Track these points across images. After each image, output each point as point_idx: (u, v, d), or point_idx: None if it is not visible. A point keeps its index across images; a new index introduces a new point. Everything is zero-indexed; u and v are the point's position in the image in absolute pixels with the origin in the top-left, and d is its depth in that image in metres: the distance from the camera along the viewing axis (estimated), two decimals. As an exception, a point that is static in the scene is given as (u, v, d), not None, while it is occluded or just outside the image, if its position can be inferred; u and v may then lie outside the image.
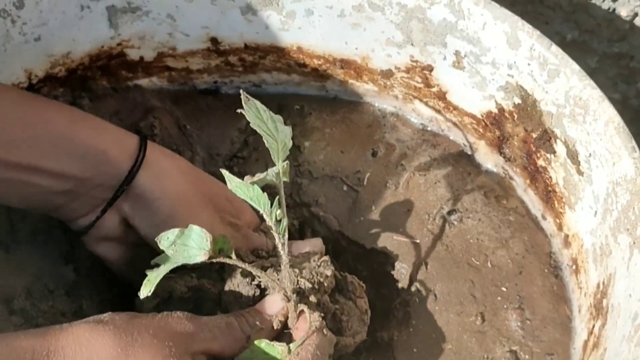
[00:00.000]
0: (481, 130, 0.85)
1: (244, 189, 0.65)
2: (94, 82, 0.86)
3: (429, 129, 0.90)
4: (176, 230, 0.65)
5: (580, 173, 0.75)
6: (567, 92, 0.73)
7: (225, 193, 0.77)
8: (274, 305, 0.70)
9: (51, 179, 0.70)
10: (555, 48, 0.73)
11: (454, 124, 0.87)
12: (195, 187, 0.76)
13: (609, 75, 0.98)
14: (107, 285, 0.80)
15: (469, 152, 0.88)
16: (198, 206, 0.75)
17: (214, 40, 0.86)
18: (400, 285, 0.81)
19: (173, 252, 0.65)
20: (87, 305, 0.77)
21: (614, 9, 0.92)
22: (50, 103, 0.72)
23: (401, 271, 0.81)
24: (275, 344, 0.67)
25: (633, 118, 1.02)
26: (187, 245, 0.65)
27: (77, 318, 0.69)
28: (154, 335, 0.63)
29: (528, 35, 0.74)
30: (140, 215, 0.74)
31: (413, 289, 0.80)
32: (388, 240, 0.83)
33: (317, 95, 0.92)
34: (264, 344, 0.67)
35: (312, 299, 0.71)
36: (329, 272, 0.73)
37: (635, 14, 0.92)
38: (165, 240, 0.65)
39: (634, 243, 0.67)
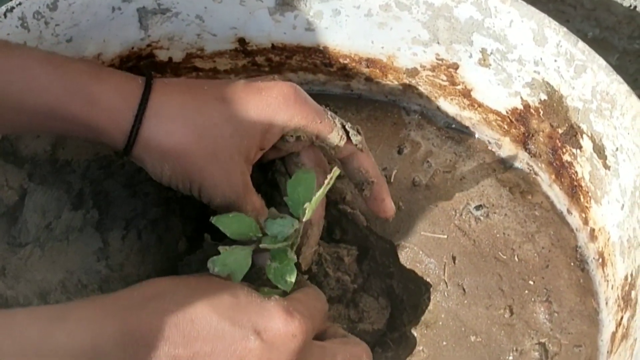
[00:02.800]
0: (506, 126, 0.86)
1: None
2: (123, 83, 0.87)
3: (453, 126, 0.91)
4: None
5: (606, 167, 0.76)
6: (594, 87, 0.74)
7: (260, 125, 0.74)
8: None
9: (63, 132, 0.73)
10: (581, 44, 0.74)
11: (479, 121, 0.88)
12: (202, 141, 0.73)
13: (630, 71, 0.99)
14: (137, 279, 0.81)
15: (494, 149, 0.89)
16: (207, 166, 0.73)
17: (241, 41, 0.87)
18: (428, 280, 0.82)
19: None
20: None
21: (635, 6, 0.93)
22: (49, 67, 0.71)
23: (429, 266, 0.82)
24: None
25: (653, 114, 1.03)
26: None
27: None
28: None
29: (555, 32, 0.75)
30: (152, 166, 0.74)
31: (441, 283, 0.81)
32: (416, 236, 0.84)
33: (342, 94, 0.93)
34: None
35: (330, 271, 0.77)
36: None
37: (656, 11, 0.93)
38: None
39: (663, 235, 0.68)
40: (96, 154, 0.85)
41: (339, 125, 0.76)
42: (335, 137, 0.76)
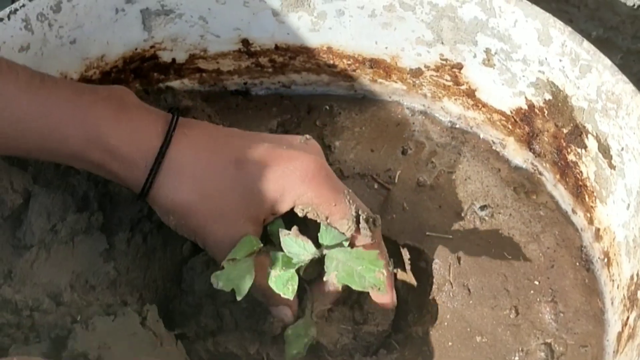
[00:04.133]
0: (510, 126, 0.86)
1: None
2: (126, 84, 0.87)
3: (457, 126, 0.91)
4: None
5: (612, 167, 0.76)
6: (599, 87, 0.74)
7: (271, 195, 0.75)
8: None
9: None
10: (587, 44, 0.74)
11: (483, 121, 0.88)
12: (208, 201, 0.75)
13: (633, 71, 0.99)
14: (143, 282, 0.81)
15: (499, 149, 0.89)
16: (210, 225, 0.75)
17: (245, 42, 0.87)
18: (433, 280, 0.82)
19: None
20: (130, 300, 0.78)
21: (639, 6, 0.93)
22: (70, 115, 0.72)
23: (434, 267, 0.82)
24: None
25: (657, 114, 1.03)
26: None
27: (123, 309, 0.74)
28: None
29: (560, 32, 0.75)
30: (160, 214, 0.77)
31: (446, 284, 0.81)
32: (420, 237, 0.84)
33: (346, 95, 0.93)
34: None
35: None
36: None
37: (660, 10, 0.93)
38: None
39: (670, 234, 0.68)
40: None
41: (352, 214, 0.75)
42: (344, 226, 0.75)
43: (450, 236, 0.84)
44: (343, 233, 0.75)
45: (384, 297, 0.78)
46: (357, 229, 0.75)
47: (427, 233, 0.84)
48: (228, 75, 0.92)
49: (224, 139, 0.77)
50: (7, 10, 0.75)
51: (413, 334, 0.80)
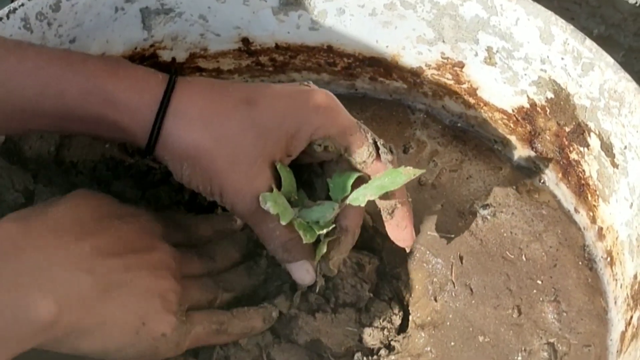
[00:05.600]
0: (512, 125, 0.86)
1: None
2: (126, 83, 0.87)
3: (459, 125, 0.91)
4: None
5: (614, 165, 0.76)
6: (602, 85, 0.73)
7: (286, 130, 0.73)
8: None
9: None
10: (589, 42, 0.74)
11: (484, 119, 0.88)
12: (223, 144, 0.71)
13: (635, 69, 0.99)
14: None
15: (500, 148, 0.89)
16: (227, 170, 0.72)
17: (245, 41, 0.87)
18: (435, 280, 0.81)
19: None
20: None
21: (641, 3, 0.93)
22: (64, 68, 0.70)
23: (436, 266, 0.82)
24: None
25: (659, 112, 1.02)
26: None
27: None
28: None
29: (562, 30, 0.74)
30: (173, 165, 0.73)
31: (448, 283, 0.81)
32: (422, 236, 0.83)
33: (347, 94, 0.93)
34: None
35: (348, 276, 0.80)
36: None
37: (662, 8, 0.93)
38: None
39: (673, 233, 0.68)
40: (102, 155, 0.85)
41: (370, 141, 0.74)
42: (365, 153, 0.74)
43: (452, 235, 0.83)
44: (364, 161, 0.75)
45: (406, 230, 0.78)
46: (377, 156, 0.75)
47: (429, 232, 0.84)
48: (228, 74, 0.91)
49: (228, 84, 0.76)
50: (6, 9, 0.75)
51: (415, 334, 0.79)
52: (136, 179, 0.84)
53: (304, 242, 0.73)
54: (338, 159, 0.76)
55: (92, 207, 0.71)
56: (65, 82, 0.69)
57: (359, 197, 0.74)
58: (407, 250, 0.81)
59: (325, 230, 0.74)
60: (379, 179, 0.75)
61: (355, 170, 0.76)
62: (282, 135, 0.72)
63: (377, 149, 0.75)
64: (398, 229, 0.78)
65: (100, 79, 0.69)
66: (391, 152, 0.75)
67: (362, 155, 0.74)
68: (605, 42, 0.95)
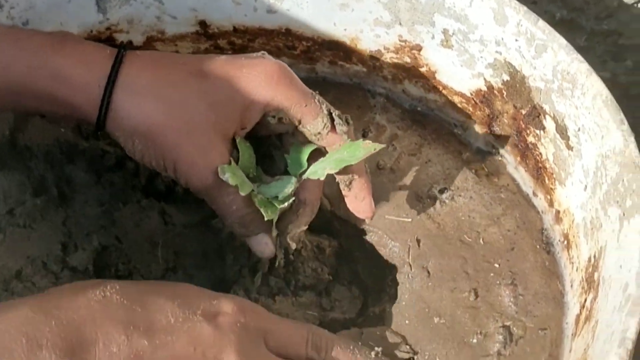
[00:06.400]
0: (471, 108, 0.85)
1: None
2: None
3: (419, 109, 0.90)
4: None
5: (569, 148, 0.76)
6: (555, 67, 0.73)
7: (239, 103, 0.71)
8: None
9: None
10: (542, 23, 0.73)
11: (444, 103, 0.87)
12: (175, 116, 0.70)
13: (598, 53, 0.99)
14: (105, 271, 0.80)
15: (460, 131, 0.88)
16: (181, 143, 0.70)
17: (202, 24, 0.86)
18: (393, 263, 0.81)
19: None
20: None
21: (602, -14, 0.92)
22: (10, 44, 0.69)
23: (394, 250, 0.81)
24: None
25: (622, 95, 1.01)
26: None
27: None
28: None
29: (515, 11, 0.74)
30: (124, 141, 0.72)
31: (405, 266, 0.80)
32: (380, 220, 0.83)
33: (307, 77, 0.92)
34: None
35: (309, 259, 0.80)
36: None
37: (623, -9, 0.92)
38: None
39: (624, 215, 0.67)
40: (57, 138, 0.84)
41: (325, 112, 0.74)
42: (319, 124, 0.74)
43: (410, 219, 0.83)
44: (319, 132, 0.74)
45: (364, 202, 0.77)
46: (332, 127, 0.74)
47: (387, 216, 0.83)
48: (187, 58, 0.90)
49: (178, 56, 0.75)
50: (-44, -9, 0.74)
51: (370, 313, 0.79)
52: (90, 163, 0.83)
53: (266, 219, 0.73)
54: (294, 131, 0.76)
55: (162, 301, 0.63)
56: (11, 57, 0.68)
57: (318, 171, 0.74)
58: (367, 222, 0.80)
59: (286, 204, 0.74)
60: (338, 152, 0.75)
61: (311, 142, 0.76)
62: (235, 108, 0.72)
63: (332, 120, 0.74)
64: (356, 201, 0.78)
65: (48, 54, 0.69)
66: (347, 123, 0.75)
67: (316, 126, 0.74)
68: (568, 25, 0.95)
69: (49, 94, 0.69)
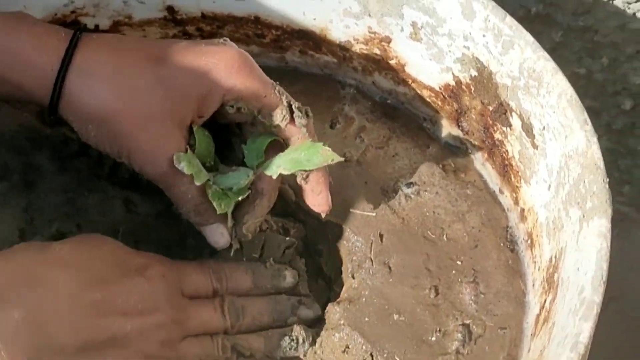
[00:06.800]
0: (440, 103, 0.84)
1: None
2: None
3: (388, 101, 0.89)
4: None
5: (534, 146, 0.75)
6: (521, 64, 0.72)
7: (196, 91, 0.70)
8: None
9: None
10: (509, 19, 0.72)
11: (413, 96, 0.86)
12: (130, 103, 0.69)
13: (574, 49, 0.97)
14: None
15: (428, 126, 0.87)
16: (135, 131, 0.70)
17: (170, 9, 0.85)
18: (355, 258, 0.80)
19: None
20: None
21: (578, -18, 0.91)
22: None
23: (356, 244, 0.80)
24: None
25: (598, 92, 1.01)
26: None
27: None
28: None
29: (483, 6, 0.73)
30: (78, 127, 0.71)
31: (367, 261, 0.79)
32: (344, 213, 0.82)
33: (277, 67, 0.91)
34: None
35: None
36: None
37: (600, -13, 0.91)
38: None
39: (584, 217, 0.66)
40: (20, 124, 0.83)
41: (284, 104, 0.73)
42: (278, 116, 0.73)
43: (374, 214, 0.82)
44: (277, 124, 0.73)
45: (321, 196, 0.76)
46: (291, 120, 0.73)
47: (351, 210, 0.82)
48: (156, 43, 0.89)
49: (137, 40, 0.74)
50: None
51: (331, 309, 0.78)
52: (54, 151, 0.82)
53: (218, 212, 0.73)
54: (253, 120, 0.74)
55: (99, 254, 0.68)
56: None
57: (273, 167, 0.74)
58: (323, 216, 0.79)
59: (240, 198, 0.73)
60: (296, 151, 0.74)
61: (270, 133, 0.75)
62: (192, 96, 0.70)
63: (292, 112, 0.73)
64: (313, 194, 0.77)
65: (0, 35, 0.67)
66: (307, 115, 0.74)
67: (275, 118, 0.73)
68: (544, 20, 0.93)
69: (2, 78, 0.68)
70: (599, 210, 0.65)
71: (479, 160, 0.84)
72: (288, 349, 0.74)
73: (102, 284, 0.65)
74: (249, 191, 0.74)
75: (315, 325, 0.77)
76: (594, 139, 0.67)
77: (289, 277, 0.77)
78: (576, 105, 0.68)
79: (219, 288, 0.74)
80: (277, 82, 0.74)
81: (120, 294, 0.66)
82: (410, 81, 0.85)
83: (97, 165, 0.83)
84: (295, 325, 0.75)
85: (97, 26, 0.85)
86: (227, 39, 0.74)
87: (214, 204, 0.72)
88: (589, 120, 0.68)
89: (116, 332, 0.64)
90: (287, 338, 0.74)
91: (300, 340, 0.74)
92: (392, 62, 0.84)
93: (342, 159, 0.74)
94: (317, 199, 0.76)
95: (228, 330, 0.73)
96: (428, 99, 0.85)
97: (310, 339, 0.75)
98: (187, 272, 0.73)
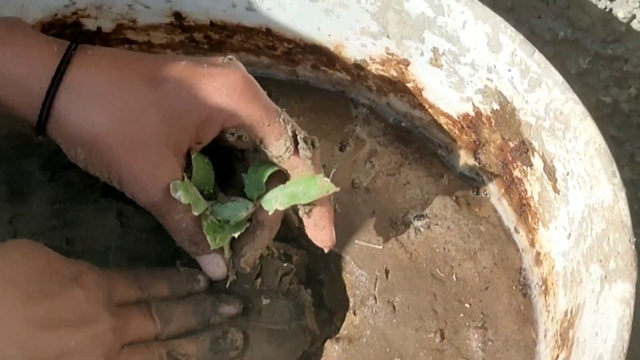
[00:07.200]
0: (457, 132, 0.79)
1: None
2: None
3: (402, 124, 0.84)
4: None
5: (556, 191, 0.70)
6: (548, 104, 0.67)
7: (195, 117, 0.65)
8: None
9: None
10: (538, 56, 0.67)
11: (429, 122, 0.81)
12: (123, 126, 0.64)
13: (601, 77, 0.92)
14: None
15: (443, 153, 0.82)
16: (127, 156, 0.65)
17: (177, 15, 0.80)
18: (357, 293, 0.76)
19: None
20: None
21: (611, 9, 0.86)
22: None
23: (360, 278, 0.76)
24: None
25: (623, 123, 0.96)
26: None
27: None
28: None
29: (510, 40, 0.68)
30: (67, 149, 0.67)
31: (370, 298, 0.75)
32: (349, 244, 0.78)
33: (287, 80, 0.86)
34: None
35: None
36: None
37: (633, 16, 0.86)
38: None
39: (606, 277, 0.62)
40: (10, 129, 0.78)
41: (289, 134, 0.67)
42: (281, 147, 0.67)
43: (381, 246, 0.77)
44: (280, 156, 0.68)
45: (324, 231, 0.72)
46: (296, 151, 0.68)
47: (357, 241, 0.78)
48: (160, 48, 0.84)
49: (135, 57, 0.68)
50: None
51: (329, 346, 0.74)
52: (45, 159, 0.78)
53: (212, 247, 0.69)
54: (255, 148, 0.69)
55: (33, 265, 0.63)
56: None
57: (271, 202, 0.69)
58: (326, 251, 0.74)
59: (237, 234, 0.69)
60: (294, 184, 0.69)
61: (272, 163, 0.70)
62: (189, 121, 0.65)
63: (296, 143, 0.68)
64: (316, 229, 0.72)
65: None
66: (313, 146, 0.69)
67: (278, 149, 0.68)
68: (571, 46, 0.88)
69: None
70: (623, 273, 0.60)
71: (495, 195, 0.80)
72: (223, 352, 0.70)
73: (42, 297, 0.61)
74: (248, 224, 0.70)
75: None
76: (622, 194, 0.62)
77: (202, 282, 0.72)
78: (605, 155, 0.64)
79: (142, 295, 0.70)
80: (283, 109, 0.68)
81: (61, 307, 0.62)
82: (427, 106, 0.80)
83: (90, 176, 0.78)
84: (226, 326, 0.71)
85: (99, 28, 0.80)
86: (233, 57, 0.69)
87: (208, 237, 0.68)
88: (617, 173, 0.63)
89: (63, 347, 0.61)
90: (220, 340, 0.70)
91: (237, 342, 0.70)
92: (409, 85, 0.79)
93: (338, 189, 0.69)
94: (320, 234, 0.72)
95: (159, 336, 0.69)
96: (445, 126, 0.80)
97: (242, 339, 0.71)
98: (114, 279, 0.69)
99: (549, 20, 0.89)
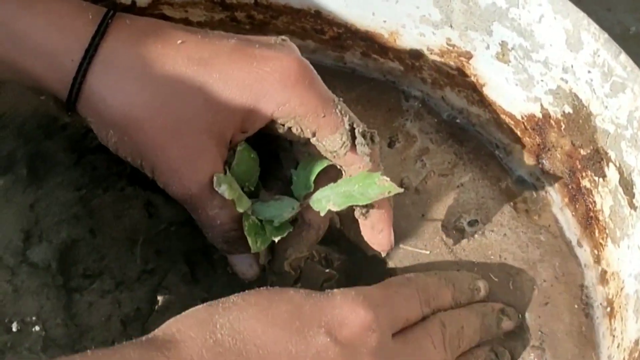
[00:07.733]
0: (519, 133, 0.73)
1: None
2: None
3: (458, 121, 0.78)
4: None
5: (632, 206, 0.63)
6: (632, 112, 0.60)
7: (243, 103, 0.60)
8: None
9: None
10: (624, 58, 0.60)
11: (488, 120, 0.75)
12: (163, 109, 0.59)
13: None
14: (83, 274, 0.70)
15: (501, 155, 0.76)
16: (164, 144, 0.59)
17: (219, -8, 0.74)
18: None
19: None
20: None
21: (690, 3, 0.79)
22: None
23: (403, 287, 0.70)
24: None
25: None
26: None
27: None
28: None
29: (593, 38, 0.61)
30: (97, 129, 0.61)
31: (417, 310, 0.69)
32: (394, 249, 0.71)
33: (334, 66, 0.80)
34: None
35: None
36: None
37: None
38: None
39: (692, 311, 0.55)
40: (35, 108, 0.73)
41: (346, 127, 0.61)
42: (337, 142, 0.61)
43: (428, 252, 0.72)
44: (335, 151, 0.62)
45: (382, 234, 0.67)
46: (353, 146, 0.62)
47: (402, 245, 0.72)
48: (198, 26, 0.78)
49: (179, 32, 0.61)
50: None
51: None
52: (71, 142, 0.73)
53: (252, 251, 0.63)
54: (307, 141, 0.63)
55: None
56: None
57: (322, 201, 0.63)
58: (383, 255, 0.70)
59: (279, 238, 0.63)
60: (349, 182, 0.63)
61: (325, 158, 0.64)
62: (236, 109, 0.59)
63: (354, 137, 0.62)
64: (373, 232, 0.67)
65: (10, 10, 0.56)
66: (372, 141, 0.63)
67: (333, 143, 0.62)
68: (643, 42, 0.82)
69: (10, 60, 0.57)
70: None
71: (557, 204, 0.73)
72: None
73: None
74: (291, 228, 0.64)
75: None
76: None
77: (483, 289, 0.69)
78: (697, 173, 0.57)
79: (428, 312, 0.64)
80: (340, 99, 0.62)
81: None
82: (487, 103, 0.73)
83: (118, 162, 0.73)
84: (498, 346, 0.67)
85: (134, 2, 0.74)
86: (287, 38, 0.63)
87: (249, 240, 0.62)
88: None
89: None
90: None
91: None
92: (469, 79, 0.73)
93: (401, 190, 0.63)
94: (378, 237, 0.67)
95: None
96: (505, 126, 0.74)
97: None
98: (392, 301, 0.62)
99: (619, 13, 0.82)
